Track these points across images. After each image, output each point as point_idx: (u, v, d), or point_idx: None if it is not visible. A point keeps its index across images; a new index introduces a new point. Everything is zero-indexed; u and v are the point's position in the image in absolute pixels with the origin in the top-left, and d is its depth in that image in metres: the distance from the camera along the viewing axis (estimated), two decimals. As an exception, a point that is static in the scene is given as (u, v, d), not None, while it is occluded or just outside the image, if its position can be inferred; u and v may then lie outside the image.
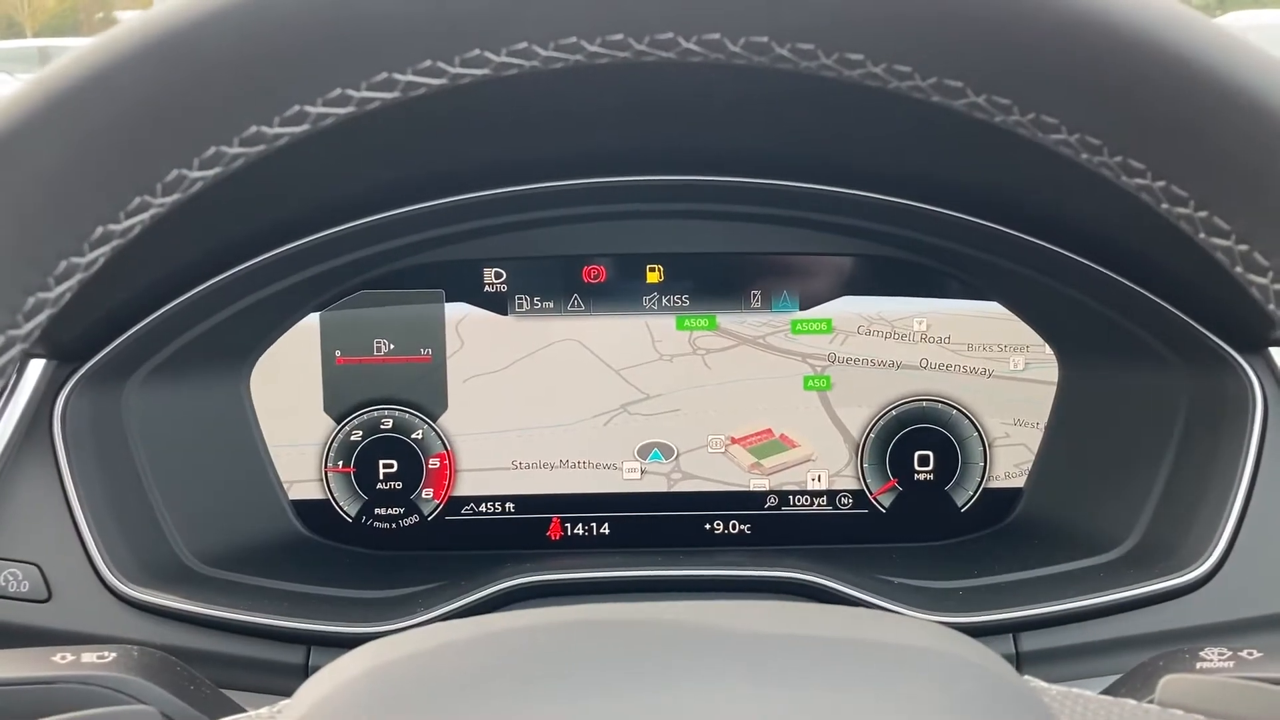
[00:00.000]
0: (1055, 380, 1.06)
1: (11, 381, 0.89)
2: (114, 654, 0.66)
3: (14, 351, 0.44)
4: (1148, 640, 0.88)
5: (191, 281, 0.95)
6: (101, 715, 0.57)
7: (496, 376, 1.08)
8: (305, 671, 0.89)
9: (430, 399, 1.08)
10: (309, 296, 1.05)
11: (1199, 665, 0.66)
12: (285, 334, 1.05)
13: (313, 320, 1.06)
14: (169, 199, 0.44)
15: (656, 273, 1.07)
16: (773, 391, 1.08)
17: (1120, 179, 0.45)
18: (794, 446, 1.09)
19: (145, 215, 0.44)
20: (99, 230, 0.43)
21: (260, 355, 1.05)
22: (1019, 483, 1.08)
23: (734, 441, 1.08)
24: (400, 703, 0.46)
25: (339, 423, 1.08)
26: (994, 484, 1.09)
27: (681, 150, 0.98)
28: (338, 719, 0.46)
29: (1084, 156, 0.45)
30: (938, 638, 0.49)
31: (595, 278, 1.07)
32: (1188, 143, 0.42)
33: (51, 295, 0.44)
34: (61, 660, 0.64)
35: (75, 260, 0.43)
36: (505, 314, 1.07)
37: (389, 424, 1.08)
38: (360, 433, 1.08)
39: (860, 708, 0.43)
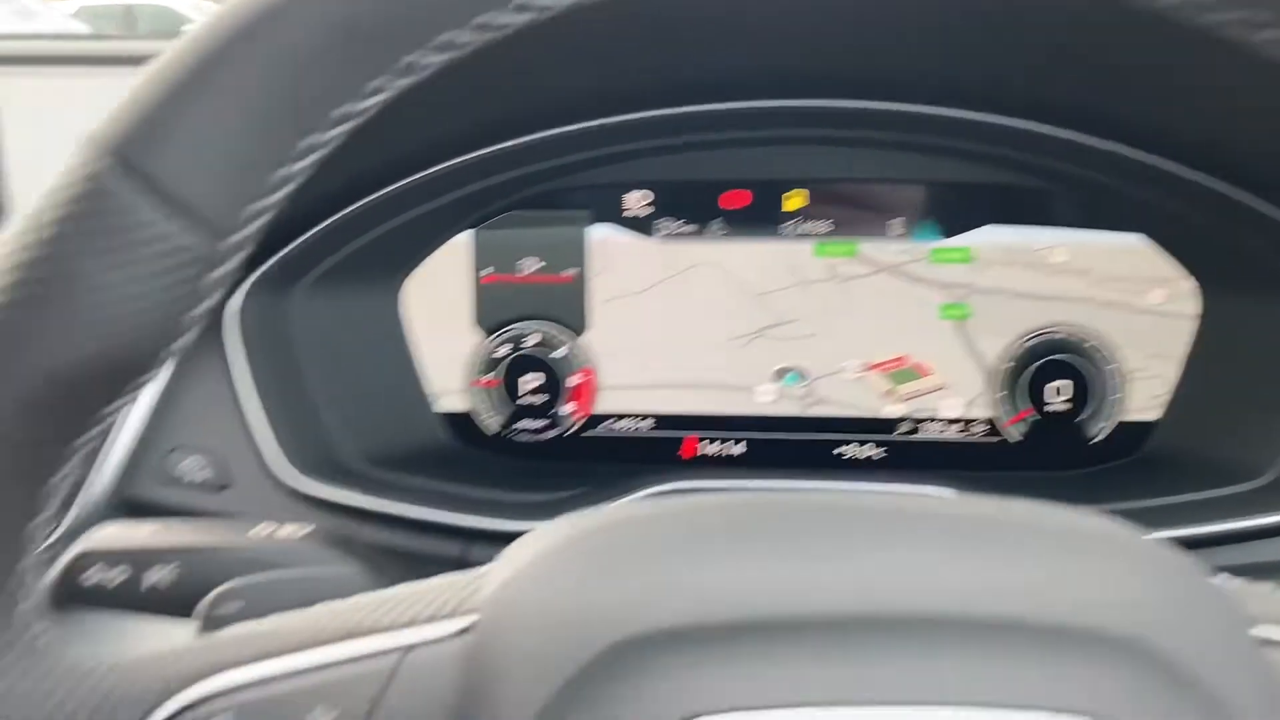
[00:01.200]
0: (1196, 313, 1.06)
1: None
2: (310, 528, 0.70)
3: (260, 223, 0.48)
4: (1287, 566, 0.89)
5: (360, 193, 0.99)
6: (318, 574, 0.61)
7: (638, 297, 1.11)
8: (463, 565, 0.93)
9: (574, 317, 1.11)
10: (463, 214, 1.08)
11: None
12: (438, 250, 1.09)
13: (465, 238, 1.10)
14: (404, 81, 0.47)
15: (799, 199, 1.09)
16: (910, 319, 1.09)
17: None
18: (929, 374, 1.10)
19: (381, 97, 0.47)
20: (342, 109, 0.46)
21: (414, 269, 1.09)
22: (1154, 415, 1.08)
23: (869, 368, 1.10)
24: (618, 557, 0.49)
25: (486, 338, 1.12)
26: (1129, 416, 1.09)
27: (829, 74, 0.99)
28: (554, 573, 0.49)
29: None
30: (1122, 525, 0.51)
31: (738, 203, 1.09)
32: None
33: (294, 170, 0.47)
34: (262, 531, 0.69)
35: (318, 138, 0.47)
36: (649, 236, 1.10)
37: (533, 340, 1.12)
38: (506, 348, 1.12)
39: (1059, 572, 0.45)
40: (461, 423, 1.12)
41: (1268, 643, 0.46)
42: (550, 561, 0.50)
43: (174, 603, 0.64)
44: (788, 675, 0.43)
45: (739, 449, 1.12)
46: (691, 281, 1.10)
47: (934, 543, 0.46)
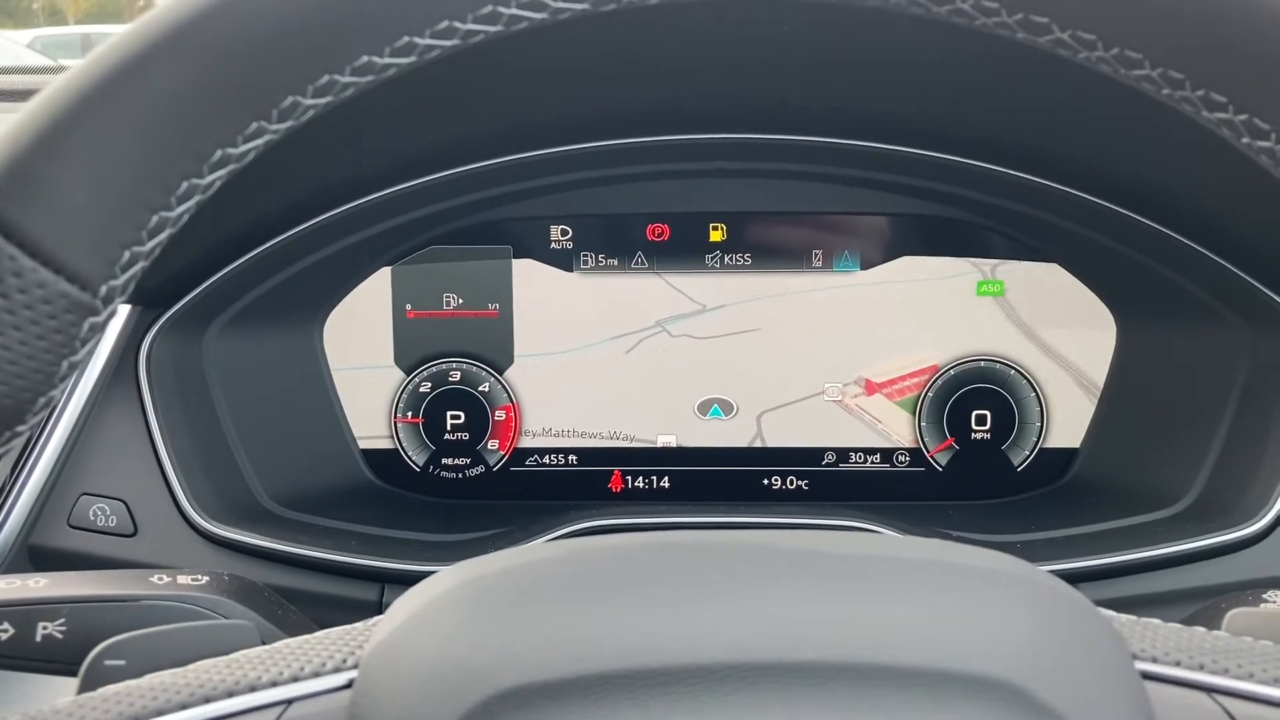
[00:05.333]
0: (1113, 342, 1.07)
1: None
2: (207, 577, 0.69)
3: (137, 268, 0.47)
4: (1206, 593, 0.89)
5: (270, 232, 0.98)
6: (204, 627, 0.60)
7: (560, 332, 1.10)
8: (380, 608, 0.92)
9: (497, 353, 1.10)
10: (381, 250, 1.07)
11: (1263, 606, 0.67)
12: (358, 287, 1.08)
13: (384, 274, 1.09)
14: (283, 125, 0.46)
15: (720, 231, 1.09)
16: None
17: (1201, 114, 0.46)
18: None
19: (260, 141, 0.46)
20: (218, 153, 0.46)
21: (334, 307, 1.08)
22: (1076, 443, 1.09)
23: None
24: (494, 609, 0.48)
25: (408, 374, 1.11)
26: (1051, 444, 1.10)
27: (745, 108, 0.99)
28: (432, 626, 0.48)
29: (1165, 92, 0.46)
30: (1014, 563, 0.51)
31: (659, 236, 1.09)
32: (1271, 76, 0.43)
33: (172, 215, 0.46)
34: (159, 581, 0.68)
35: (195, 182, 0.46)
36: (570, 271, 1.09)
37: (457, 376, 1.11)
38: (429, 384, 1.11)
39: (942, 617, 0.45)
40: (384, 461, 1.11)
41: (1150, 676, 0.46)
42: (431, 614, 0.49)
43: (64, 657, 0.62)
44: None
45: (665, 482, 1.12)
46: (614, 315, 1.10)
47: (813, 587, 0.46)
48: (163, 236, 0.47)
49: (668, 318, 1.10)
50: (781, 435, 1.11)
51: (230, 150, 0.46)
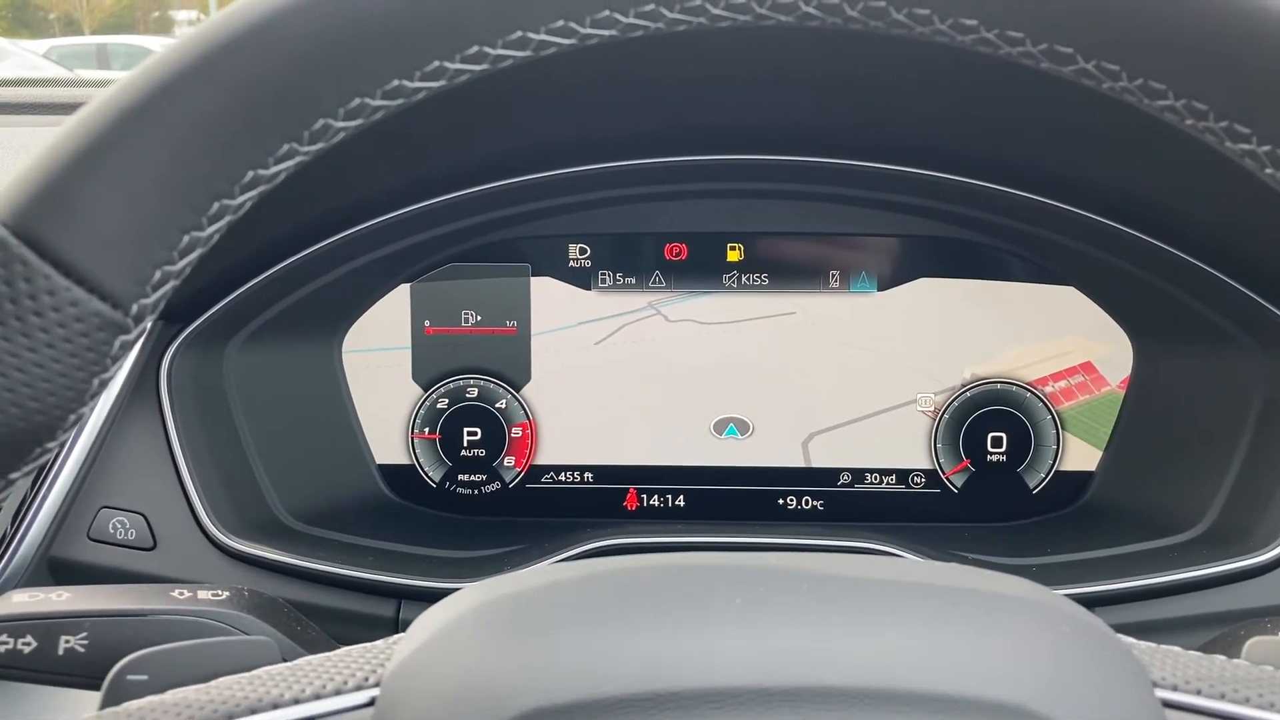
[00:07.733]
0: (1129, 365, 1.07)
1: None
2: (228, 593, 0.69)
3: (168, 287, 0.47)
4: (1222, 619, 0.89)
5: (291, 249, 0.98)
6: (226, 643, 0.60)
7: (578, 350, 1.10)
8: (396, 624, 0.92)
9: (514, 370, 1.11)
10: (401, 267, 1.08)
11: (1280, 634, 0.67)
12: (377, 303, 1.09)
13: (404, 291, 1.09)
14: (314, 147, 0.47)
15: (737, 251, 1.09)
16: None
17: (1225, 145, 0.46)
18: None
19: (292, 162, 0.47)
20: (250, 175, 0.46)
21: (353, 323, 1.09)
22: (1091, 466, 1.09)
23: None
24: (517, 630, 0.48)
25: (426, 391, 1.11)
26: (1066, 467, 1.10)
27: (764, 129, 1.00)
28: (454, 646, 0.49)
29: (1189, 122, 0.46)
30: (1035, 589, 0.51)
31: (677, 255, 1.09)
32: None
33: (203, 235, 0.47)
34: (180, 596, 0.68)
35: (227, 202, 0.46)
36: (589, 289, 1.10)
37: (474, 393, 1.11)
38: (446, 401, 1.11)
39: (964, 643, 0.45)
40: (401, 476, 1.11)
41: (1171, 705, 0.46)
42: (454, 633, 0.49)
43: (86, 671, 0.63)
44: None
45: (681, 501, 1.12)
46: (632, 333, 1.10)
47: (834, 612, 0.46)
48: (193, 256, 0.48)
49: (660, 299, 1.10)
50: (791, 456, 1.11)
51: (261, 171, 0.46)
